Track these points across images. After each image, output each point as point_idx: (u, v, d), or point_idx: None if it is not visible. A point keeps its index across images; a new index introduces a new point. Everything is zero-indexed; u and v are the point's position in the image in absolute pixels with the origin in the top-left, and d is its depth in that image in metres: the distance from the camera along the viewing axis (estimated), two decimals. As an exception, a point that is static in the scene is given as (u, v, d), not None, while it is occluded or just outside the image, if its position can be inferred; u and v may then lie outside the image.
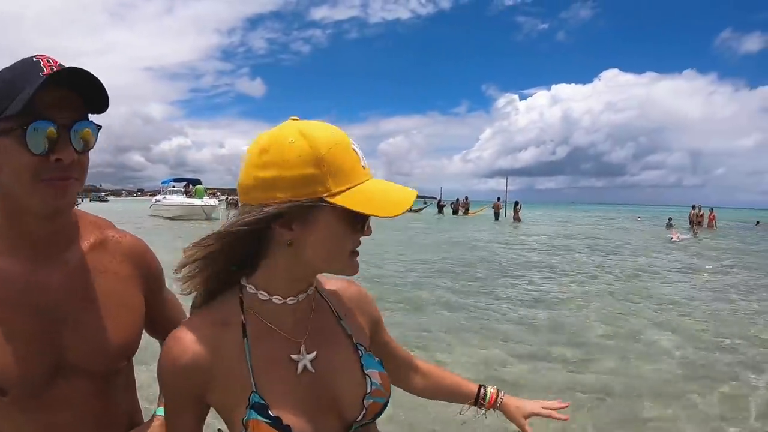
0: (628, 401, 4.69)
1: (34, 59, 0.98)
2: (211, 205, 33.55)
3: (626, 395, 4.82)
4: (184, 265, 1.01)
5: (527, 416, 1.40)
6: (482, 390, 1.42)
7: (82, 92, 0.99)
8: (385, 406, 1.08)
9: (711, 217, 33.63)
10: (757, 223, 43.48)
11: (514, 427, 1.41)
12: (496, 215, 37.85)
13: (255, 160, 0.94)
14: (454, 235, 22.82)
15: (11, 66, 0.99)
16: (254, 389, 0.95)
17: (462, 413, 1.45)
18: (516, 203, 37.55)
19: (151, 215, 36.41)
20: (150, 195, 61.24)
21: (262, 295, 1.01)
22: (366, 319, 1.20)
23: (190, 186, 39.27)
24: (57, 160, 0.96)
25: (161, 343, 1.46)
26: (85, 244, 1.16)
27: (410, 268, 12.26)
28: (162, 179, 46.07)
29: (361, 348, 1.10)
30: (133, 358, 1.25)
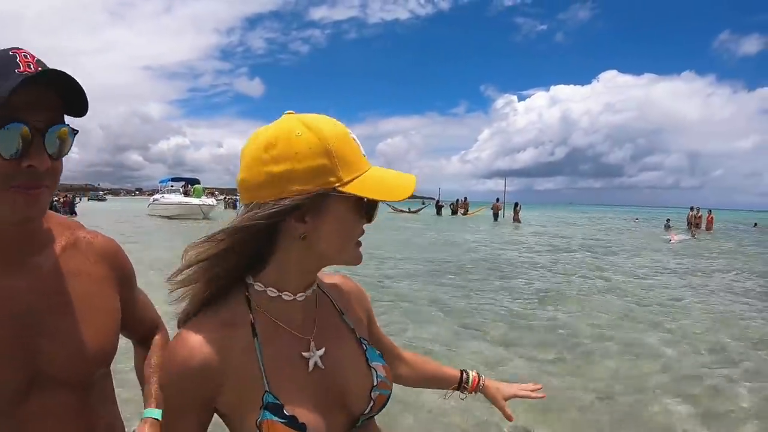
0: (627, 401, 4.68)
1: (11, 53, 0.91)
2: (209, 205, 33.50)
3: (625, 394, 4.81)
4: (190, 265, 0.99)
5: (507, 398, 1.48)
6: (464, 374, 1.48)
7: (59, 93, 0.94)
8: (388, 398, 1.09)
9: (709, 218, 33.65)
10: (755, 224, 43.58)
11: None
12: (496, 216, 37.82)
13: (261, 156, 0.93)
14: (454, 236, 22.82)
15: None
16: (267, 389, 0.94)
17: (446, 398, 1.49)
18: (516, 204, 37.52)
19: (149, 215, 36.42)
20: (148, 194, 61.19)
21: (272, 292, 1.00)
22: (363, 312, 1.22)
23: (189, 186, 39.13)
24: (29, 167, 0.90)
25: (134, 343, 1.47)
26: (57, 247, 1.11)
27: (410, 269, 12.25)
28: (160, 179, 45.96)
29: (365, 342, 1.11)
30: (113, 366, 1.19)
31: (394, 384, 1.20)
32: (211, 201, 34.95)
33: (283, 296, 1.00)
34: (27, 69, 0.89)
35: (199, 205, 32.93)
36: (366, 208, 0.98)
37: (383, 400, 1.07)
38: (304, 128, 0.92)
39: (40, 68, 0.91)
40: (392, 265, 12.65)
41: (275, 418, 0.92)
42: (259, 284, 1.00)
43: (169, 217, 32.91)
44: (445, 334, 6.76)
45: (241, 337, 0.97)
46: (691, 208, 33.63)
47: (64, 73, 0.91)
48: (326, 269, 1.08)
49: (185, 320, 1.03)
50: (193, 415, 0.97)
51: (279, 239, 0.98)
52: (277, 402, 0.93)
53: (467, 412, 4.12)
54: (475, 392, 1.48)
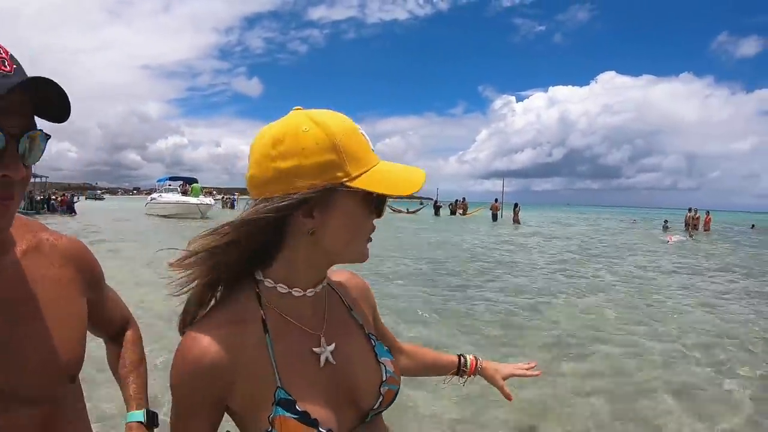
0: (625, 399, 4.68)
1: None
2: (207, 204, 33.44)
3: (623, 393, 4.81)
4: (193, 254, 0.97)
5: (505, 378, 1.53)
6: (462, 359, 1.52)
7: (32, 96, 0.86)
8: (397, 393, 1.10)
9: (707, 219, 33.71)
10: (753, 226, 43.69)
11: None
12: (494, 216, 37.79)
13: (269, 152, 0.93)
14: (453, 237, 22.82)
15: None
16: (279, 385, 0.94)
17: (445, 383, 1.53)
18: (515, 205, 37.46)
19: (147, 214, 36.37)
20: (146, 193, 61.03)
21: (282, 288, 1.00)
22: (369, 308, 1.24)
23: (186, 185, 38.86)
24: (3, 176, 0.84)
25: (105, 341, 1.45)
26: (18, 251, 1.02)
27: (408, 269, 12.20)
28: (158, 178, 45.81)
29: (373, 337, 1.13)
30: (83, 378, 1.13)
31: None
32: (208, 200, 34.86)
33: (293, 292, 1.00)
34: (2, 68, 0.81)
35: (197, 204, 32.85)
36: (375, 203, 0.98)
37: (392, 395, 1.08)
38: (312, 123, 0.92)
39: (14, 66, 0.83)
40: (390, 265, 12.60)
41: (288, 414, 0.92)
42: (269, 280, 1.00)
43: (166, 217, 32.88)
44: (441, 335, 6.73)
45: (252, 333, 0.96)
46: (689, 210, 33.64)
47: (53, 81, 0.84)
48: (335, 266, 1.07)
49: (191, 319, 1.02)
50: (204, 415, 0.96)
51: (287, 235, 0.98)
52: (290, 398, 0.93)
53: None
54: (474, 375, 1.52)
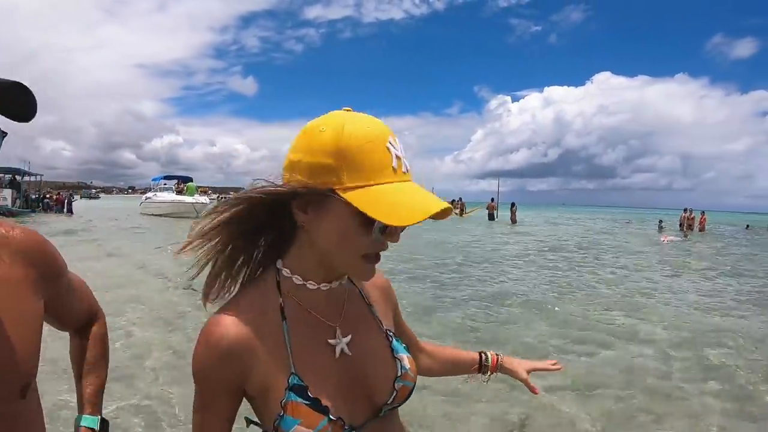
0: (622, 398, 4.68)
1: None
2: (202, 203, 33.27)
3: (620, 392, 4.82)
4: (205, 226, 1.00)
5: (529, 371, 1.51)
6: (483, 356, 1.50)
7: None
8: (412, 390, 1.10)
9: (702, 220, 33.82)
10: (747, 226, 43.84)
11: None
12: (491, 216, 37.82)
13: (294, 141, 0.97)
14: (449, 237, 22.80)
15: None
16: (293, 371, 0.96)
17: (469, 381, 1.51)
18: (512, 204, 37.46)
19: (142, 213, 36.30)
20: (141, 193, 61.05)
21: (297, 280, 1.02)
22: (390, 306, 1.24)
23: (181, 183, 38.66)
24: None
25: (72, 335, 1.38)
26: None
27: (404, 270, 12.17)
28: (153, 177, 45.69)
29: (391, 333, 1.13)
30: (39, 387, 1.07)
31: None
32: (204, 199, 34.71)
33: (307, 285, 1.02)
34: None
35: (192, 203, 32.73)
36: (375, 222, 0.92)
37: (407, 391, 1.08)
38: (333, 126, 0.92)
39: None
40: (386, 265, 12.58)
41: (299, 400, 0.94)
42: (286, 270, 1.03)
43: (161, 216, 32.82)
44: (435, 335, 6.71)
45: (271, 319, 0.99)
46: (684, 210, 33.74)
47: (20, 84, 0.82)
48: None
49: (212, 293, 1.05)
50: (226, 398, 0.98)
51: (297, 228, 1.00)
52: (302, 384, 0.95)
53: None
54: (496, 372, 1.51)
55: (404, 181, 0.93)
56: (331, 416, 0.95)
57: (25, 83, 0.85)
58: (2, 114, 0.87)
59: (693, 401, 4.76)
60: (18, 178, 33.96)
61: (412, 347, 1.36)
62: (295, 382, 0.95)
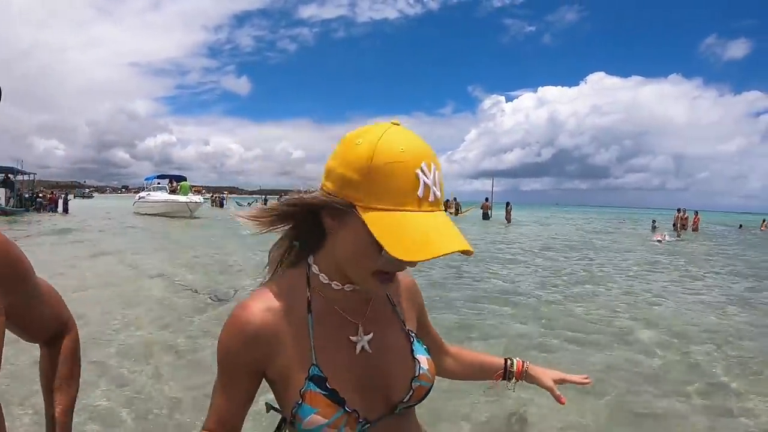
0: (620, 396, 4.66)
1: None
2: (196, 202, 33.18)
3: (614, 389, 4.80)
4: (266, 210, 1.06)
5: (555, 381, 1.45)
6: (509, 362, 1.47)
7: None
8: (429, 390, 1.12)
9: (695, 220, 33.90)
10: (740, 226, 44.06)
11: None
12: (485, 215, 37.88)
13: (336, 146, 0.98)
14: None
15: None
16: (314, 362, 1.00)
17: (492, 387, 1.52)
18: (507, 204, 37.49)
19: (135, 213, 36.15)
20: (134, 192, 60.73)
21: (323, 278, 1.06)
22: (415, 307, 1.26)
23: (175, 182, 38.18)
24: None
25: (41, 347, 1.29)
26: None
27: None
28: (146, 176, 45.44)
29: (412, 334, 1.15)
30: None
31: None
32: (197, 198, 34.51)
33: (332, 285, 1.05)
34: None
35: (186, 202, 32.61)
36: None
37: (423, 391, 1.10)
38: (368, 141, 0.91)
39: None
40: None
41: (318, 390, 0.98)
42: (315, 267, 1.07)
43: (155, 215, 32.69)
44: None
45: (298, 311, 1.03)
46: (678, 210, 33.84)
47: None
48: None
49: (275, 265, 1.12)
50: (245, 379, 1.03)
51: (327, 230, 1.02)
52: (322, 375, 0.99)
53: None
54: (520, 379, 1.47)
55: (429, 211, 0.91)
56: (347, 408, 0.99)
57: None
58: None
59: (682, 401, 4.78)
60: (11, 176, 33.77)
61: (437, 349, 1.40)
62: (315, 372, 0.99)
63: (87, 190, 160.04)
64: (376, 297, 1.13)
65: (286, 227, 1.08)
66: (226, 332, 1.02)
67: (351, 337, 1.06)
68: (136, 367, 5.07)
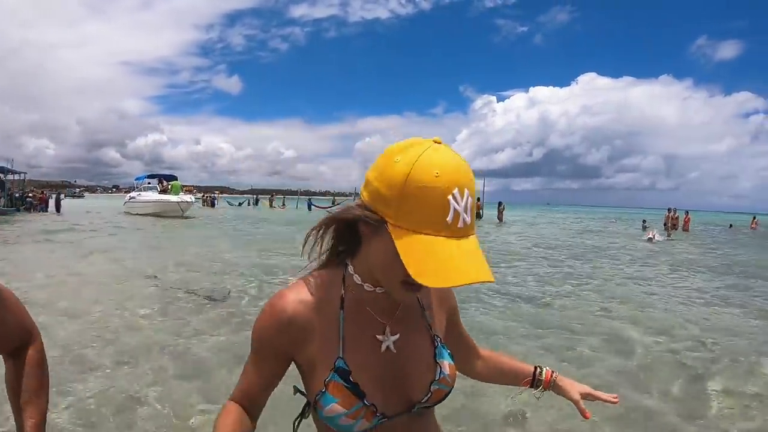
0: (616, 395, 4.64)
1: None
2: (187, 202, 33.00)
3: (606, 389, 4.77)
4: (308, 237, 1.12)
5: (582, 395, 1.46)
6: (538, 370, 1.49)
7: None
8: (447, 393, 1.17)
9: (686, 219, 34.08)
10: (731, 225, 44.37)
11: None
12: (478, 215, 37.87)
13: (378, 158, 1.00)
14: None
15: None
16: (340, 355, 1.07)
17: (519, 393, 1.54)
18: (499, 203, 37.62)
19: (126, 212, 35.93)
20: (125, 192, 60.35)
21: (357, 279, 1.11)
22: (446, 309, 1.29)
23: (165, 182, 37.94)
24: None
25: (5, 359, 1.26)
26: None
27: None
28: (136, 176, 45.12)
29: (438, 339, 1.20)
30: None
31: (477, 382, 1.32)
32: (189, 198, 34.37)
33: (365, 286, 1.11)
34: None
35: (178, 202, 32.44)
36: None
37: (441, 394, 1.15)
38: (406, 161, 0.93)
39: None
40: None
41: (341, 382, 1.05)
42: (351, 268, 1.12)
43: (146, 215, 32.51)
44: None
45: (331, 306, 1.10)
46: (669, 210, 33.99)
47: None
48: None
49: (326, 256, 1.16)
50: (274, 361, 1.11)
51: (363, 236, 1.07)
52: (346, 368, 1.06)
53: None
54: (548, 389, 1.48)
55: (456, 237, 0.93)
56: (366, 402, 1.05)
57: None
58: None
59: (671, 400, 4.81)
60: (2, 176, 33.50)
61: (469, 351, 1.45)
62: (341, 365, 1.06)
63: (77, 190, 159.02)
64: (405, 301, 1.15)
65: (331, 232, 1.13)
66: (262, 317, 1.11)
67: (377, 336, 1.12)
68: (132, 368, 5.05)
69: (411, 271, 0.88)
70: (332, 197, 78.11)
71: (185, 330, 6.44)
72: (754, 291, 10.94)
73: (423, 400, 1.12)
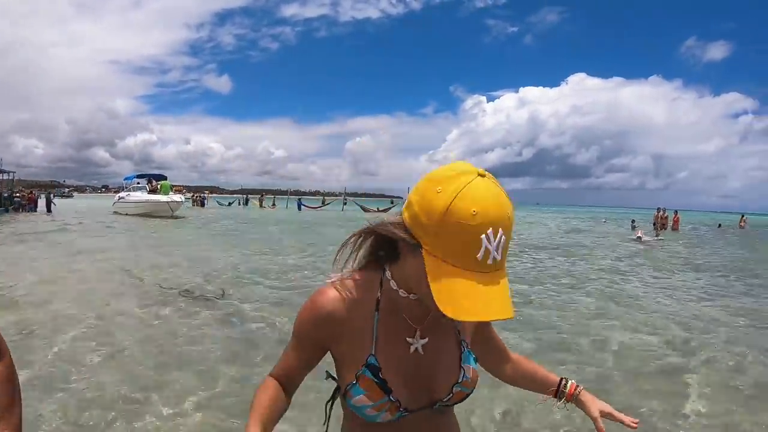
0: (602, 396, 4.67)
1: None
2: (177, 202, 32.82)
3: (595, 390, 4.81)
4: (346, 243, 1.21)
5: (601, 412, 1.47)
6: (563, 382, 1.53)
7: None
8: (468, 395, 1.26)
9: (675, 219, 34.21)
10: (719, 225, 44.61)
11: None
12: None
13: (421, 181, 1.04)
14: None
15: None
16: (372, 352, 1.17)
17: (544, 401, 1.56)
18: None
19: (115, 212, 35.70)
20: (114, 192, 59.99)
21: (393, 285, 1.19)
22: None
23: (154, 182, 37.66)
24: None
25: None
26: None
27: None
28: (125, 176, 44.81)
29: (465, 344, 1.28)
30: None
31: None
32: (178, 197, 34.25)
33: (400, 292, 1.18)
34: None
35: (167, 202, 32.28)
36: None
37: (461, 396, 1.24)
38: (448, 193, 0.96)
39: None
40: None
41: (371, 376, 1.15)
42: (389, 273, 1.20)
43: (136, 215, 32.33)
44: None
45: (367, 306, 1.19)
46: (658, 209, 34.14)
47: None
48: None
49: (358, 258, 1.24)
50: (311, 350, 1.22)
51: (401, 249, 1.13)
52: (377, 365, 1.16)
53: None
54: (571, 400, 1.51)
55: (485, 272, 0.97)
56: (391, 397, 1.15)
57: None
58: None
59: (661, 399, 4.85)
60: (-9, 176, 33.25)
61: (499, 355, 1.53)
62: (372, 362, 1.16)
63: (67, 190, 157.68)
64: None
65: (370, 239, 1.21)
66: (304, 310, 1.21)
67: (408, 338, 1.20)
68: (125, 367, 5.04)
69: (438, 301, 0.95)
70: (322, 197, 77.65)
71: (179, 329, 6.45)
72: (737, 288, 11.08)
73: (444, 400, 1.21)
